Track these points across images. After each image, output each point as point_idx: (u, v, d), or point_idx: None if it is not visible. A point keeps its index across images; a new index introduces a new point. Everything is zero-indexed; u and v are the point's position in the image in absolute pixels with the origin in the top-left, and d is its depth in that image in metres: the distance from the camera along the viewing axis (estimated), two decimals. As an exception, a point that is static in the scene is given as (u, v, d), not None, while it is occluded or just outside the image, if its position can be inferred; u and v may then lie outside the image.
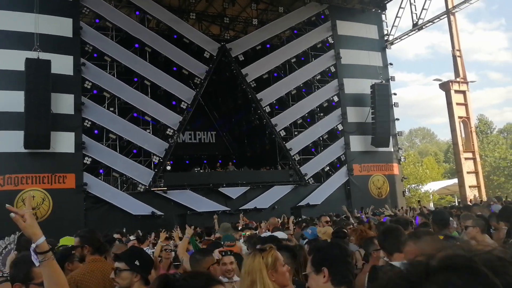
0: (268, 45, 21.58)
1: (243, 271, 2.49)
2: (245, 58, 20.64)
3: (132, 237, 10.48)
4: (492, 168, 39.81)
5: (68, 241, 4.81)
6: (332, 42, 22.38)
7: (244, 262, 2.50)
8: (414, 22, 23.38)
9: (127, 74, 18.47)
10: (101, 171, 17.48)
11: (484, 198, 17.87)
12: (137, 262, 2.80)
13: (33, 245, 2.05)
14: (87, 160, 17.04)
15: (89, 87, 17.59)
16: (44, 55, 15.81)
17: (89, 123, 17.30)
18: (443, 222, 5.01)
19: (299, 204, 20.12)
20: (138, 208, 17.60)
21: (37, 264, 2.07)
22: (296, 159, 20.98)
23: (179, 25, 19.89)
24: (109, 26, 18.57)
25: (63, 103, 16.77)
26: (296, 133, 21.34)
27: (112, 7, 18.71)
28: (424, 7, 22.84)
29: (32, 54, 15.68)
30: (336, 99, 22.06)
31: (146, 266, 2.91)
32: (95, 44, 17.97)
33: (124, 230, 13.02)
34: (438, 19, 23.30)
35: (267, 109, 20.81)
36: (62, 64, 16.72)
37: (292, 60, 21.60)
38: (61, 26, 17.25)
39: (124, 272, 2.77)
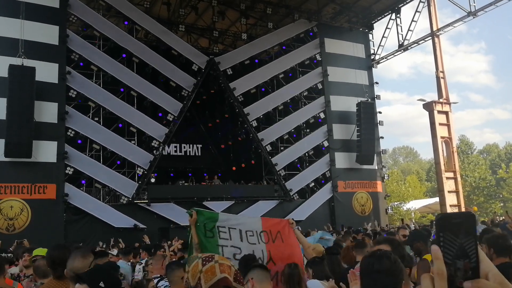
0: (256, 60, 21.66)
1: None
2: (233, 72, 20.64)
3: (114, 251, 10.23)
4: (472, 188, 40.50)
5: (42, 252, 4.67)
6: (320, 59, 22.59)
7: None
8: (400, 43, 23.84)
9: (113, 84, 18.24)
10: (83, 182, 17.09)
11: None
12: (102, 284, 2.38)
13: None
14: (69, 170, 16.65)
15: (73, 96, 17.29)
16: (28, 62, 15.53)
17: (73, 132, 16.96)
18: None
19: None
20: (120, 220, 17.23)
21: None
22: (282, 174, 20.94)
23: (168, 37, 19.80)
24: (97, 35, 18.35)
25: (47, 112, 16.42)
26: (282, 148, 21.35)
27: (100, 16, 18.53)
28: (410, 29, 23.36)
29: (17, 61, 15.39)
30: (322, 115, 22.20)
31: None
32: (82, 53, 17.72)
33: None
34: (423, 41, 23.78)
35: (254, 124, 20.78)
36: (47, 72, 16.42)
37: (280, 76, 21.69)
38: (47, 33, 16.97)
39: None
